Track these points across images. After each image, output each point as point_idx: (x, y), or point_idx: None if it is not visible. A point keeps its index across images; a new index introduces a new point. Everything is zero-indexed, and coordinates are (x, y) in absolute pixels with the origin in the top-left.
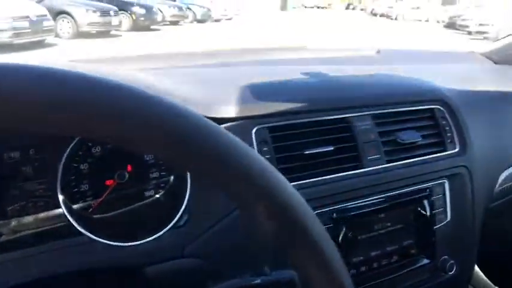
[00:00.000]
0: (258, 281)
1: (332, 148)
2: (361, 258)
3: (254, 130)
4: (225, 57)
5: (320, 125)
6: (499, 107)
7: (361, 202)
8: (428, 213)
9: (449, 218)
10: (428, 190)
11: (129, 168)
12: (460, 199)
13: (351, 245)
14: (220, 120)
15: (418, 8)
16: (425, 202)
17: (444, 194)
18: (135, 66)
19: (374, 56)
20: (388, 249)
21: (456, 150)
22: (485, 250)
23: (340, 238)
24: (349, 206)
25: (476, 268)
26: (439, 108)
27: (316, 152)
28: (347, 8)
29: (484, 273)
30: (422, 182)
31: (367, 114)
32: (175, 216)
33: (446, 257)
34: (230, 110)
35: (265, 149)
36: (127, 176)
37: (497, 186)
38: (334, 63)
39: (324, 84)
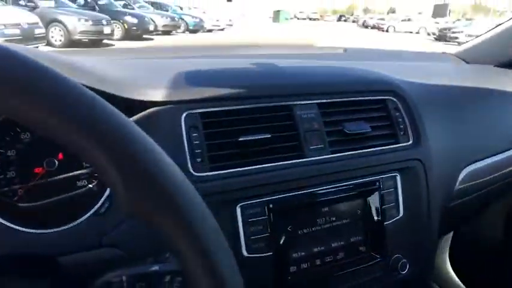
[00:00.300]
0: (156, 268)
1: (270, 136)
2: (303, 254)
3: (184, 115)
4: (194, 52)
5: (258, 112)
6: (462, 105)
7: (302, 193)
8: (378, 208)
9: (401, 214)
10: (377, 183)
11: (60, 156)
12: (414, 194)
13: (291, 239)
14: (148, 104)
15: (409, 19)
16: (375, 196)
17: (396, 188)
18: (105, 56)
19: (340, 54)
20: (333, 245)
21: (409, 142)
22: (457, 252)
23: (278, 231)
24: (288, 197)
25: (451, 271)
26: (391, 100)
27: (252, 140)
28: (339, 19)
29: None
30: (371, 174)
31: (311, 103)
32: (97, 203)
33: (398, 255)
34: (158, 94)
35: (194, 134)
36: (57, 163)
37: (457, 184)
38: (294, 58)
39: (265, 71)
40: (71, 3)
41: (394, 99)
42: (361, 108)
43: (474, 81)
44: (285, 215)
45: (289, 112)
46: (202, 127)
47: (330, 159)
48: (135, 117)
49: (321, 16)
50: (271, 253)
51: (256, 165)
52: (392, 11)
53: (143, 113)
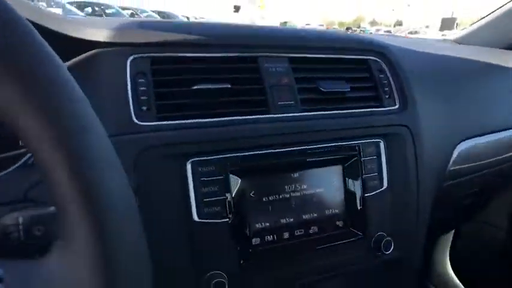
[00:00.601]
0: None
1: (229, 86)
2: (267, 224)
3: (130, 59)
4: None
5: (218, 62)
6: (457, 81)
7: (267, 153)
8: (357, 177)
9: (385, 185)
10: (357, 148)
11: None
12: (400, 165)
13: (253, 206)
14: (91, 44)
15: (416, 32)
16: (354, 163)
17: (379, 156)
18: None
19: None
20: (304, 217)
21: (395, 107)
22: (458, 254)
23: (237, 196)
24: (250, 156)
25: (452, 274)
26: (375, 60)
27: (207, 89)
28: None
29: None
30: (349, 138)
31: (281, 56)
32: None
33: (381, 233)
34: (103, 34)
35: (141, 80)
36: None
37: (450, 162)
38: None
39: (234, 24)
40: (78, 12)
41: (379, 60)
42: (340, 67)
43: (472, 60)
44: (246, 177)
45: (255, 64)
46: (151, 74)
47: (301, 117)
48: (75, 59)
49: (327, 28)
50: (227, 220)
51: (212, 118)
52: (399, 23)
53: (84, 54)
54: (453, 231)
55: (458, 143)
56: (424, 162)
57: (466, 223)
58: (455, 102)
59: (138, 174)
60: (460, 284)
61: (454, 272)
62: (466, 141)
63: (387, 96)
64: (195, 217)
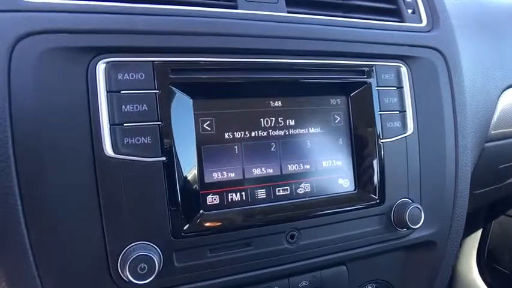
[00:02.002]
0: None
1: None
2: (231, 175)
3: None
4: None
5: None
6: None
7: (231, 62)
8: (369, 114)
9: (410, 129)
10: (367, 72)
11: None
12: (431, 102)
13: (209, 145)
14: None
15: None
16: (363, 93)
17: (400, 87)
18: None
19: None
20: (290, 168)
21: (421, 24)
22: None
23: (183, 126)
24: (204, 64)
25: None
26: None
27: None
28: None
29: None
30: (355, 55)
31: None
32: None
33: (406, 198)
34: None
35: None
36: None
37: (495, 114)
38: None
39: None
40: None
41: None
42: None
43: None
44: (199, 98)
45: None
46: None
47: (282, 18)
48: None
49: None
50: (160, 159)
51: (143, 3)
52: None
53: None
54: (480, 231)
55: (505, 89)
56: (464, 104)
57: (496, 221)
58: (503, 44)
59: (15, 75)
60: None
61: (482, 278)
62: None
63: (410, 11)
64: (108, 151)
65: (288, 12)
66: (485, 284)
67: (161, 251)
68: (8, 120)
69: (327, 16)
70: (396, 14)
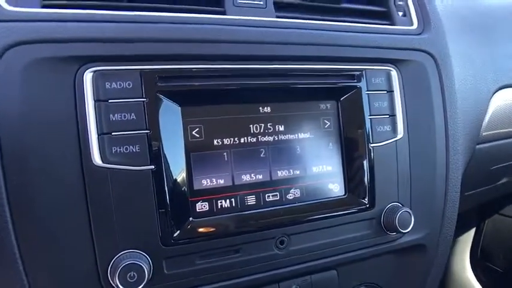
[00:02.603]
0: None
1: None
2: (220, 182)
3: None
4: None
5: None
6: (497, 23)
7: (219, 69)
8: (360, 119)
9: (400, 133)
10: (358, 76)
11: None
12: (422, 105)
13: (198, 153)
14: None
15: None
16: (353, 97)
17: (390, 90)
18: None
19: None
20: (279, 174)
21: (412, 27)
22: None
23: (171, 133)
24: (192, 71)
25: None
26: None
27: None
28: None
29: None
30: (345, 60)
31: None
32: None
33: (396, 203)
34: None
35: None
36: None
37: (487, 116)
38: None
39: None
40: None
41: None
42: None
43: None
44: (187, 105)
45: None
46: None
47: (271, 23)
48: None
49: None
50: (149, 167)
51: (131, 10)
52: None
53: None
54: (473, 230)
55: (496, 91)
56: (455, 106)
57: (490, 219)
58: (494, 45)
59: (1, 85)
60: None
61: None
62: (505, 90)
63: (401, 14)
64: (96, 160)
65: (277, 17)
66: (479, 282)
67: (151, 259)
68: None
69: (316, 20)
70: (387, 16)
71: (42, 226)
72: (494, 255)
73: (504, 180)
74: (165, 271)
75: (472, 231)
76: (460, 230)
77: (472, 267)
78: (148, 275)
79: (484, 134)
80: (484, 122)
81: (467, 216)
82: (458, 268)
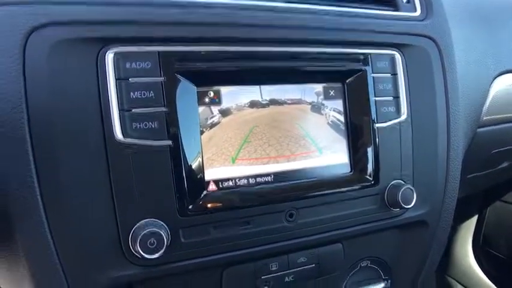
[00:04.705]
0: None
1: None
2: (227, 157)
3: None
4: None
5: None
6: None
7: (228, 52)
8: (365, 100)
9: (404, 114)
10: (363, 59)
11: None
12: (425, 89)
13: (211, 130)
14: None
15: None
16: (359, 80)
17: (394, 74)
18: None
19: None
20: (290, 147)
21: (415, 13)
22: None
23: (187, 110)
24: (206, 53)
25: (475, 266)
26: None
27: None
28: None
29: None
30: (351, 43)
31: None
32: None
33: (399, 180)
34: None
35: None
36: None
37: (487, 100)
38: None
39: None
40: None
41: None
42: None
43: None
44: (202, 84)
45: None
46: None
47: (282, 8)
48: None
49: None
50: (166, 142)
51: None
52: None
53: None
54: (476, 217)
55: (497, 76)
56: (456, 90)
57: (492, 206)
58: (496, 32)
59: (29, 64)
60: (485, 276)
61: (478, 264)
62: (505, 75)
63: (405, 0)
64: (118, 135)
65: (287, 2)
66: (481, 269)
67: (169, 228)
68: (24, 106)
69: (323, 6)
70: (391, 3)
71: (68, 196)
72: (496, 242)
73: (505, 164)
74: (182, 239)
75: (475, 218)
76: (463, 216)
77: (474, 254)
78: (167, 242)
79: (484, 118)
80: (484, 107)
81: (470, 203)
82: (461, 255)
